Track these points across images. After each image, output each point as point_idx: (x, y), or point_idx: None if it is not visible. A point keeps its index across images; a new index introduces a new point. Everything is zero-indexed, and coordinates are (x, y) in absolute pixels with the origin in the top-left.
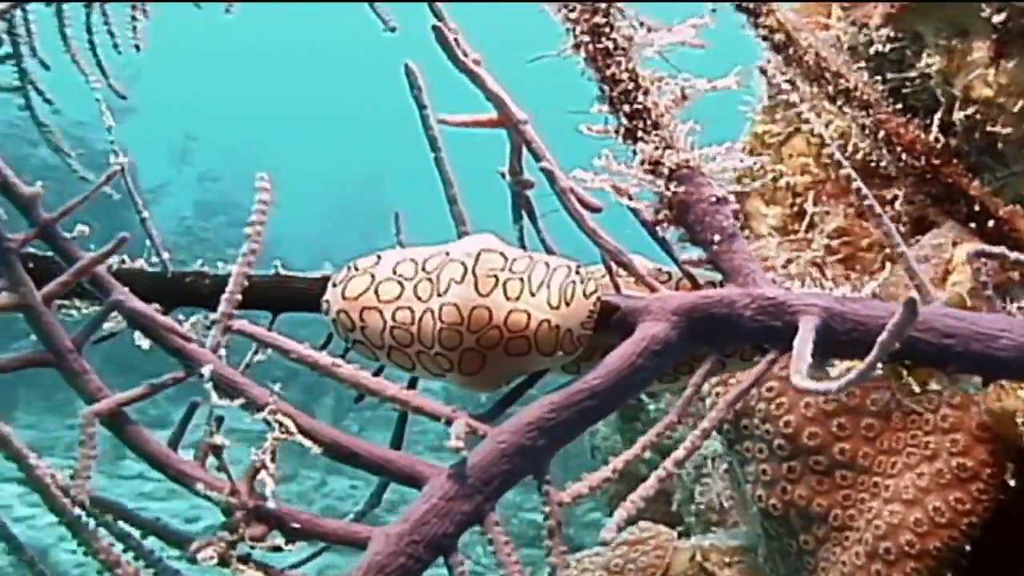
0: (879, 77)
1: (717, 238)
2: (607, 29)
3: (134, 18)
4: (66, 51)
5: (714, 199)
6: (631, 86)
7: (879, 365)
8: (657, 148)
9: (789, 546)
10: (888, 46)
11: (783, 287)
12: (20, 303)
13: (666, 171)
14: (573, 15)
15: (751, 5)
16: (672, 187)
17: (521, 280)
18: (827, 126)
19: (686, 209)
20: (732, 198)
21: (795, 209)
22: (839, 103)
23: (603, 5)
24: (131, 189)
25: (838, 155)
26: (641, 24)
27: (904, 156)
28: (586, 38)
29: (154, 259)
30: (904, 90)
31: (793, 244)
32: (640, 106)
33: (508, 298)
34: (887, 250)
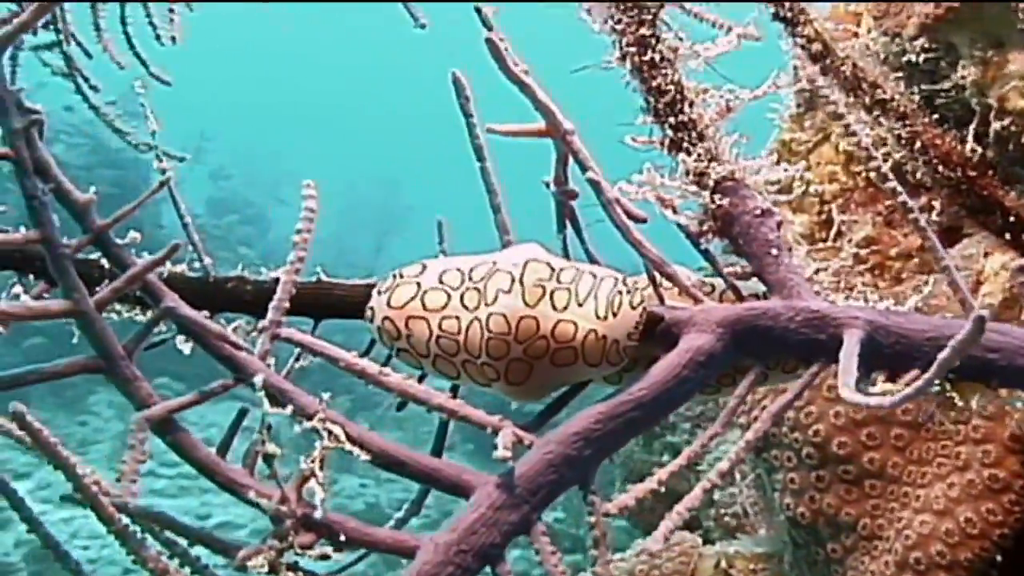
0: (912, 88)
1: (762, 250)
2: (653, 40)
3: (171, 10)
4: (98, 41)
5: (759, 211)
6: (677, 97)
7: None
8: (702, 160)
9: (816, 554)
10: (922, 56)
11: (827, 300)
12: (74, 309)
13: (711, 183)
14: (619, 26)
15: (789, 15)
16: (717, 199)
17: (568, 291)
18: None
19: (731, 221)
20: (777, 210)
21: (823, 217)
22: (875, 113)
23: (649, 17)
24: (174, 195)
25: (884, 168)
26: (697, 17)
27: (940, 167)
28: (632, 49)
29: (195, 264)
30: (937, 101)
31: (821, 252)
32: (686, 118)
33: (555, 308)
34: (916, 260)
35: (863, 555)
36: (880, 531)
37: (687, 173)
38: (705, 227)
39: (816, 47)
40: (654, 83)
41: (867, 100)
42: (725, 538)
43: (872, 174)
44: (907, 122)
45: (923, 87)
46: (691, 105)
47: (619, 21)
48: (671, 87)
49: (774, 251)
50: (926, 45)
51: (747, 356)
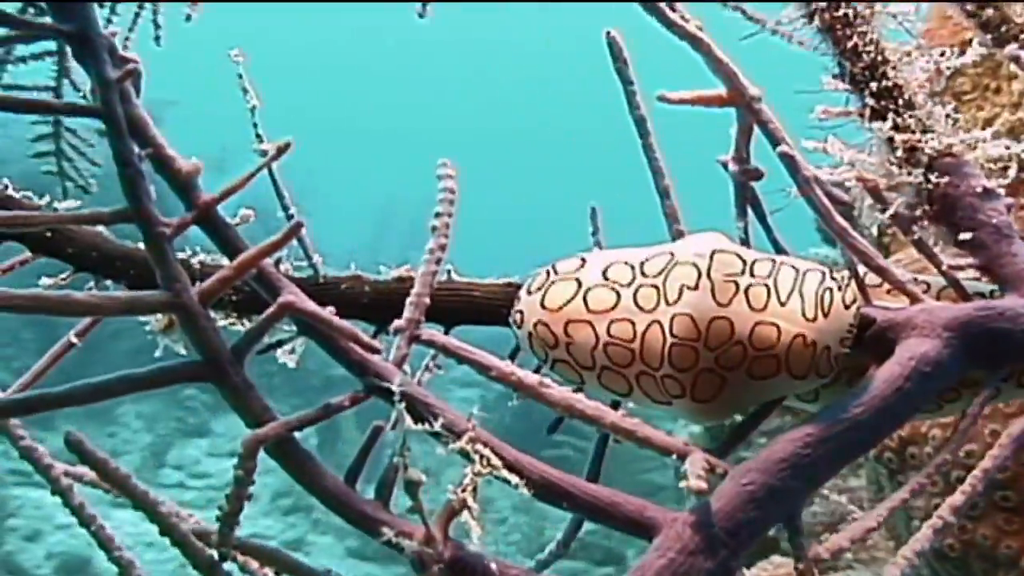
0: None
1: (991, 238)
2: None
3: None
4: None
5: (981, 191)
6: (878, 60)
7: None
8: (913, 132)
9: None
10: None
11: None
12: (173, 301)
13: (925, 159)
14: None
15: None
16: (933, 177)
17: (767, 286)
18: (993, 121)
19: (952, 204)
20: (1001, 191)
21: None
22: None
23: None
24: (276, 180)
25: None
26: None
27: None
28: (823, 4)
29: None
30: None
31: None
32: (890, 83)
33: (753, 308)
34: None
35: None
36: None
37: (893, 148)
38: (918, 212)
39: (989, 12)
40: (849, 44)
41: None
42: (831, 570)
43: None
44: None
45: None
46: (894, 68)
47: None
48: (870, 48)
49: (1004, 239)
50: None
51: (980, 365)
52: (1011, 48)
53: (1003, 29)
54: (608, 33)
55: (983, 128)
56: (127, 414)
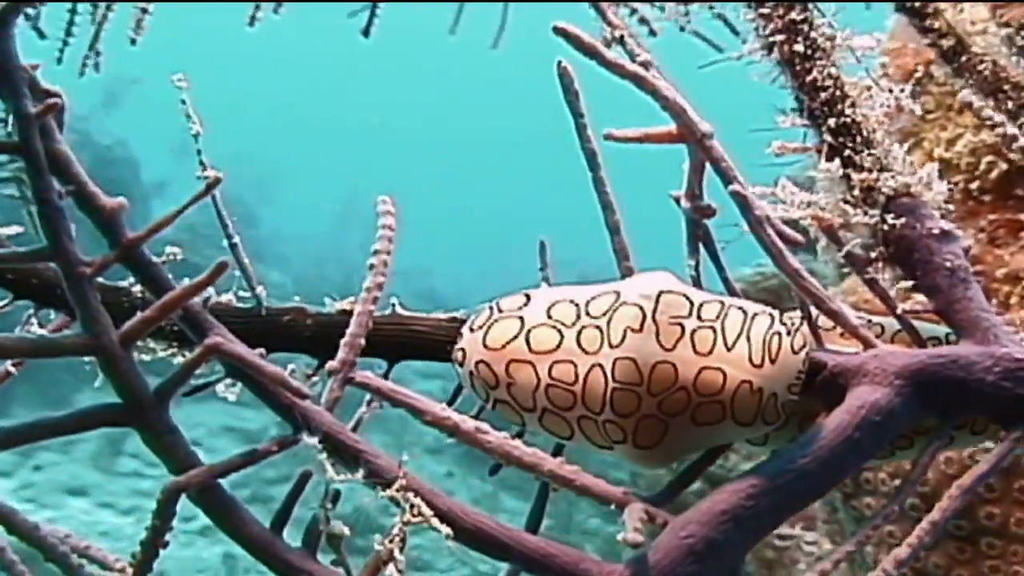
0: None
1: (947, 282)
2: (805, 27)
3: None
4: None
5: (938, 233)
6: (836, 95)
7: None
8: (871, 171)
9: None
10: None
11: None
12: (92, 344)
13: (882, 199)
14: (765, 10)
15: (917, 6)
16: (890, 218)
17: (713, 330)
18: (956, 141)
19: (908, 246)
20: (960, 233)
21: None
22: (1022, 119)
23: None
24: (219, 209)
25: None
26: None
27: None
28: (780, 37)
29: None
30: None
31: None
32: (848, 119)
33: (698, 352)
34: None
35: None
36: None
37: (850, 186)
38: (874, 253)
39: (947, 43)
40: (808, 78)
41: (1011, 104)
42: None
43: (974, 184)
44: None
45: None
46: (853, 105)
47: (762, 3)
48: (829, 82)
49: (960, 284)
50: None
51: (932, 413)
52: (965, 93)
53: (963, 59)
54: (559, 63)
55: (947, 148)
56: (84, 401)
